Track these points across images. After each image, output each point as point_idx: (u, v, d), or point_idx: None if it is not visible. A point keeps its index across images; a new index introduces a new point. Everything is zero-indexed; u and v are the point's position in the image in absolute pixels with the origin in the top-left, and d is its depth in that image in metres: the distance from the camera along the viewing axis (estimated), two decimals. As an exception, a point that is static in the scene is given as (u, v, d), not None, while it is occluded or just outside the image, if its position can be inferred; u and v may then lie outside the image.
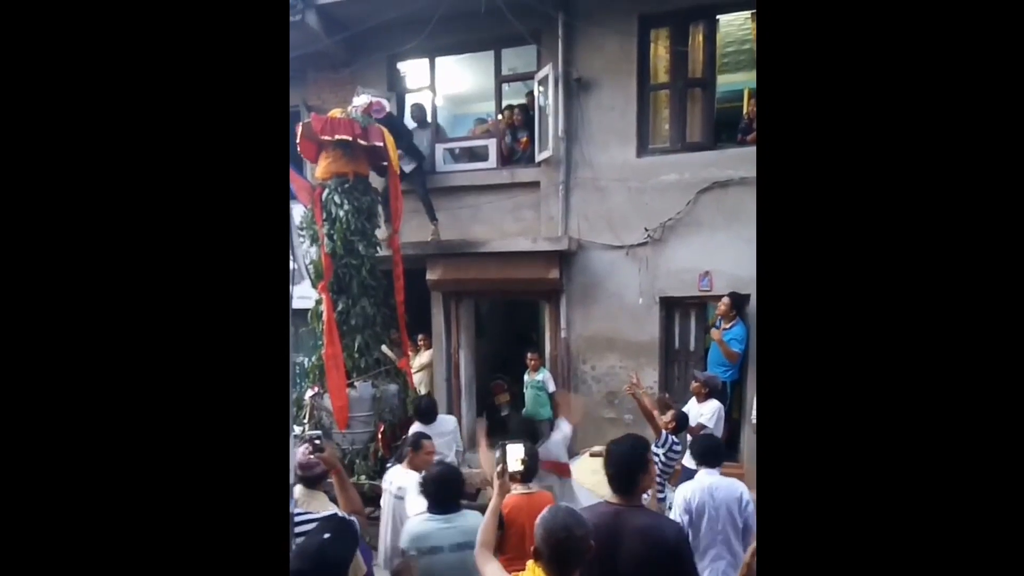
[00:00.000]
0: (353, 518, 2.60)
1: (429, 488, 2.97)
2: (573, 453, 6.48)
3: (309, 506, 2.80)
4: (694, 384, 5.21)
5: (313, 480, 2.94)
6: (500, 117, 7.53)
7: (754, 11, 6.38)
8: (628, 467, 2.47)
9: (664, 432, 4.67)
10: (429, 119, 7.60)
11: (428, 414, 5.21)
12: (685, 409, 5.00)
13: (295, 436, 2.67)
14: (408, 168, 6.84)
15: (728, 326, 5.88)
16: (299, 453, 2.88)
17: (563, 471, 4.86)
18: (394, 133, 6.44)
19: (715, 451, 3.69)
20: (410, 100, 7.58)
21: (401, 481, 3.72)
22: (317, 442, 2.90)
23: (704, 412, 4.98)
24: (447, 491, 2.94)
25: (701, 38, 6.40)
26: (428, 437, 3.85)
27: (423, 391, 6.97)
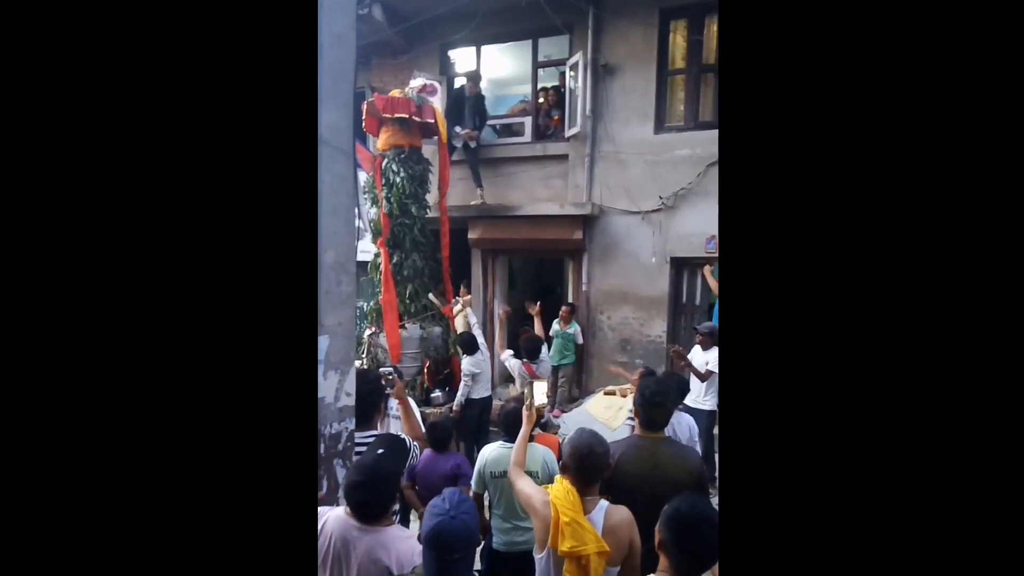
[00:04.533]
0: (413, 441, 2.73)
1: (506, 421, 3.05)
2: (589, 391, 6.56)
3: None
4: (698, 336, 5.16)
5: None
6: (540, 99, 7.43)
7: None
8: (662, 409, 2.55)
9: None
10: (474, 99, 7.55)
11: (470, 346, 5.30)
12: (690, 356, 4.99)
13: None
14: (473, 145, 6.98)
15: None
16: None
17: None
18: (479, 110, 6.96)
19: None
20: (458, 83, 7.51)
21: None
22: (390, 378, 3.00)
23: (709, 359, 4.92)
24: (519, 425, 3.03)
25: (716, 28, 6.16)
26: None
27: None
